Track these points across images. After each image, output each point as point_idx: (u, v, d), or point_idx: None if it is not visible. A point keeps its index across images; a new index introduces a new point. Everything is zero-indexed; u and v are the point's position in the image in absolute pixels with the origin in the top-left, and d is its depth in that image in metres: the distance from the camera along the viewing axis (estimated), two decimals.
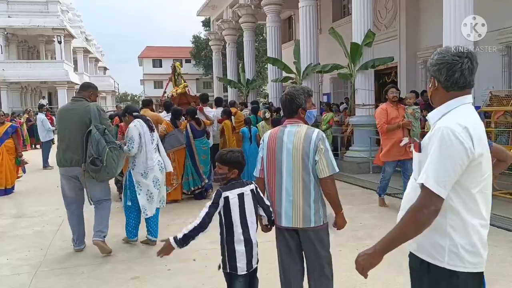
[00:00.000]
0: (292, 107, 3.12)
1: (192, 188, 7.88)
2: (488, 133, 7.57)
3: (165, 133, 7.61)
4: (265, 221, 3.13)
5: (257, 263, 3.05)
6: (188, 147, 7.95)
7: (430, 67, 2.07)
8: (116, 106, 23.52)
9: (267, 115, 9.72)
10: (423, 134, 6.60)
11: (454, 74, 1.97)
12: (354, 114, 11.19)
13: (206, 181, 7.97)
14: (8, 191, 9.09)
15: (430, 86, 2.10)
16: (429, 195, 1.88)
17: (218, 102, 10.67)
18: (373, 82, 11.14)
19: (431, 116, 2.07)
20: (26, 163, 9.88)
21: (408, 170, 6.44)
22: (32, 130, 18.69)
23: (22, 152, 9.70)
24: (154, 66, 57.14)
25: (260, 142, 3.25)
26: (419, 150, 2.06)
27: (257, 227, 3.04)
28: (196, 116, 8.27)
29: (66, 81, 32.31)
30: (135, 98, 77.94)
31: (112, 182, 6.77)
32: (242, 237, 2.92)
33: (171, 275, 4.50)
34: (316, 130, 3.04)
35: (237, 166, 3.01)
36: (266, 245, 3.87)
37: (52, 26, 31.59)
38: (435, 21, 9.98)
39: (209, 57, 35.42)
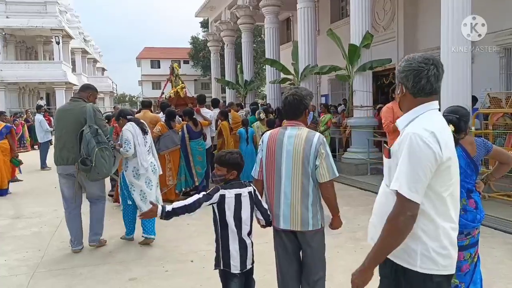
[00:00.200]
0: (300, 108, 3.06)
1: (183, 189, 7.90)
2: (486, 135, 7.60)
3: (160, 134, 7.62)
4: (262, 223, 3.13)
5: (252, 264, 3.06)
6: (182, 147, 7.97)
7: (398, 74, 2.12)
8: (114, 107, 23.46)
9: (262, 116, 9.82)
10: None
11: (420, 81, 2.02)
12: (352, 116, 11.20)
13: (197, 184, 7.98)
14: (2, 192, 9.03)
15: (398, 92, 2.14)
16: (403, 202, 1.91)
17: (215, 103, 10.67)
18: (371, 83, 11.16)
19: (399, 122, 2.12)
20: (22, 163, 9.87)
21: None
22: (30, 131, 18.67)
23: (18, 153, 9.67)
24: (152, 67, 57.07)
25: (259, 144, 3.21)
26: (388, 156, 2.11)
27: (251, 229, 3.04)
28: (194, 117, 8.28)
29: (64, 81, 32.22)
30: (133, 99, 77.88)
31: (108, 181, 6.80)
32: (236, 237, 2.94)
33: (169, 276, 4.50)
34: (317, 134, 3.02)
35: (235, 168, 3.02)
36: (263, 247, 3.88)
37: (50, 27, 31.52)
38: (433, 23, 10.01)
39: (207, 58, 35.45)
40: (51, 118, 18.39)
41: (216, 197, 2.92)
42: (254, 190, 3.08)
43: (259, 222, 3.14)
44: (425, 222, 1.98)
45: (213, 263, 3.06)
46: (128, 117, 5.74)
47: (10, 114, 20.81)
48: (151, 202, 2.90)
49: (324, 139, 3.04)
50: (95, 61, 50.68)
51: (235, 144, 9.18)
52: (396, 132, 6.66)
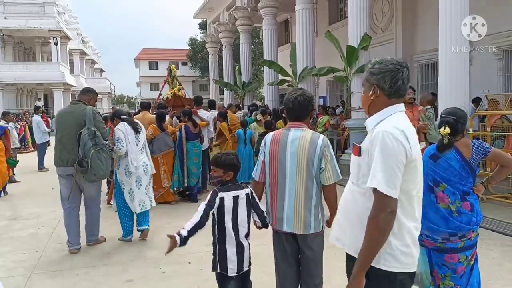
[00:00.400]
0: (308, 109, 3.02)
1: (176, 188, 7.89)
2: (484, 137, 7.62)
3: (152, 137, 7.57)
4: (258, 225, 3.12)
5: (249, 266, 3.05)
6: (179, 147, 7.95)
7: (370, 76, 2.14)
8: (112, 108, 23.47)
9: (259, 117, 9.87)
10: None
11: (397, 82, 2.08)
12: (350, 117, 11.20)
13: (192, 184, 7.97)
14: None
15: (370, 94, 2.15)
16: (382, 199, 1.95)
17: (212, 104, 10.65)
18: None
19: (368, 122, 2.17)
20: (17, 161, 9.88)
21: None
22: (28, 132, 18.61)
23: (18, 153, 9.66)
24: (150, 68, 57.10)
25: (261, 145, 3.14)
26: (358, 154, 2.14)
27: (249, 231, 3.04)
28: (193, 118, 8.27)
29: (62, 83, 32.15)
30: (131, 100, 77.79)
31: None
32: (233, 239, 2.94)
33: (166, 278, 4.49)
34: (321, 136, 2.99)
35: (232, 169, 3.02)
36: (261, 249, 3.87)
37: (49, 28, 31.45)
38: (431, 24, 10.03)
39: (205, 59, 35.38)
40: (49, 119, 18.39)
41: (217, 201, 2.91)
42: (251, 192, 3.07)
43: (255, 224, 3.13)
44: None
45: (211, 265, 3.06)
46: (122, 117, 5.87)
47: (16, 115, 20.79)
48: (168, 235, 2.85)
49: (328, 141, 3.02)
50: (93, 62, 50.62)
51: (233, 145, 9.18)
52: None
